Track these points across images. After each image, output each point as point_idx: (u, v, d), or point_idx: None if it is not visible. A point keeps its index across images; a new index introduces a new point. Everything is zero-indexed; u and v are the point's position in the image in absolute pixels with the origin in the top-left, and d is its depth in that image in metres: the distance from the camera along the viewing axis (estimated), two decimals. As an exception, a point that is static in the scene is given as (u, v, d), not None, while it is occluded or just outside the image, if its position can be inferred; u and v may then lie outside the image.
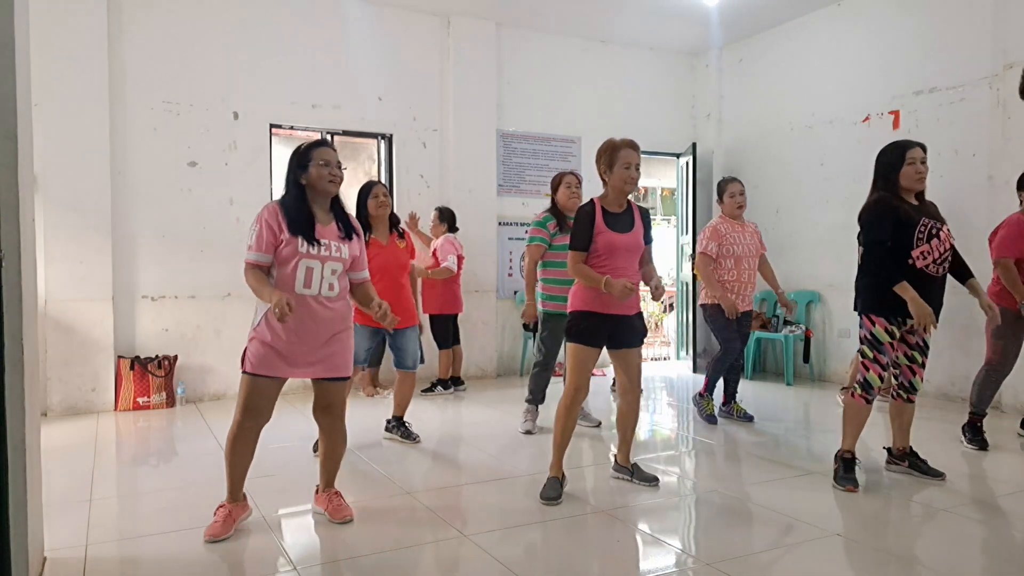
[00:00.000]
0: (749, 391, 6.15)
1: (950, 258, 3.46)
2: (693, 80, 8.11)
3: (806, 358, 6.65)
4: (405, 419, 4.49)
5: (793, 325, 6.68)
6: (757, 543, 2.88)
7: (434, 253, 6.06)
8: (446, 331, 6.20)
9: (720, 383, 5.03)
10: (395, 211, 6.45)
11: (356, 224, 3.12)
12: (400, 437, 4.43)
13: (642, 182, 14.04)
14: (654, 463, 4.08)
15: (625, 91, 7.69)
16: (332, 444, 3.16)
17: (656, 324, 10.96)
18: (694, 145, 7.72)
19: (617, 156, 3.35)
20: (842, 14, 6.52)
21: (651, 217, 3.59)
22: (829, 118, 6.63)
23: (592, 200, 3.45)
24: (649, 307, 11.42)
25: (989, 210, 5.15)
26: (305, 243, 2.85)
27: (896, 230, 3.36)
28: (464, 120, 6.88)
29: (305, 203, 2.93)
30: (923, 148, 3.45)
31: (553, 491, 3.34)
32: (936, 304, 3.44)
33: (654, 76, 7.89)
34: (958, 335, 5.53)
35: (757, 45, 7.42)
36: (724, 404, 5.05)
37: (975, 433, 4.24)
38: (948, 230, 3.46)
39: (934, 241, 3.37)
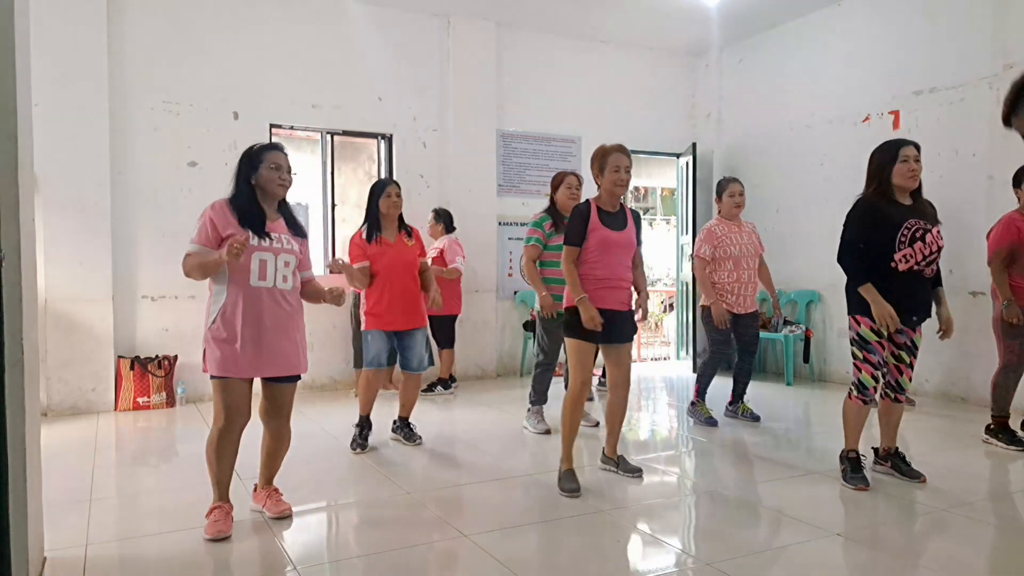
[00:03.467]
0: (749, 391, 6.12)
1: (938, 259, 3.44)
2: (693, 80, 8.11)
3: (806, 358, 6.65)
4: (411, 420, 4.50)
5: (793, 325, 6.68)
6: (757, 543, 2.88)
7: (441, 254, 6.08)
8: (451, 331, 6.24)
9: (714, 384, 5.02)
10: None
11: (303, 226, 3.17)
12: (403, 439, 4.44)
13: (642, 182, 14.05)
14: (654, 463, 4.08)
15: (625, 91, 7.69)
16: (277, 445, 3.15)
17: (656, 324, 10.96)
18: (694, 145, 7.72)
19: (607, 160, 3.52)
20: (842, 14, 6.52)
21: (643, 220, 3.74)
22: (829, 118, 6.63)
23: (588, 200, 3.61)
24: (649, 307, 11.42)
25: (988, 210, 5.15)
26: (256, 237, 2.89)
27: (875, 233, 3.34)
28: (464, 120, 6.88)
29: (255, 201, 2.98)
30: (917, 147, 3.42)
31: (572, 482, 3.42)
32: (925, 303, 3.45)
33: (654, 76, 7.89)
34: (958, 335, 5.50)
35: (757, 45, 7.42)
36: (731, 404, 5.06)
37: (1011, 435, 4.19)
38: (939, 231, 3.42)
39: (918, 244, 3.33)
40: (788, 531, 2.97)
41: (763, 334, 6.77)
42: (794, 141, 6.98)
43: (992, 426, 4.29)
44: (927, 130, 5.77)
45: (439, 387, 6.20)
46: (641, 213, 4.51)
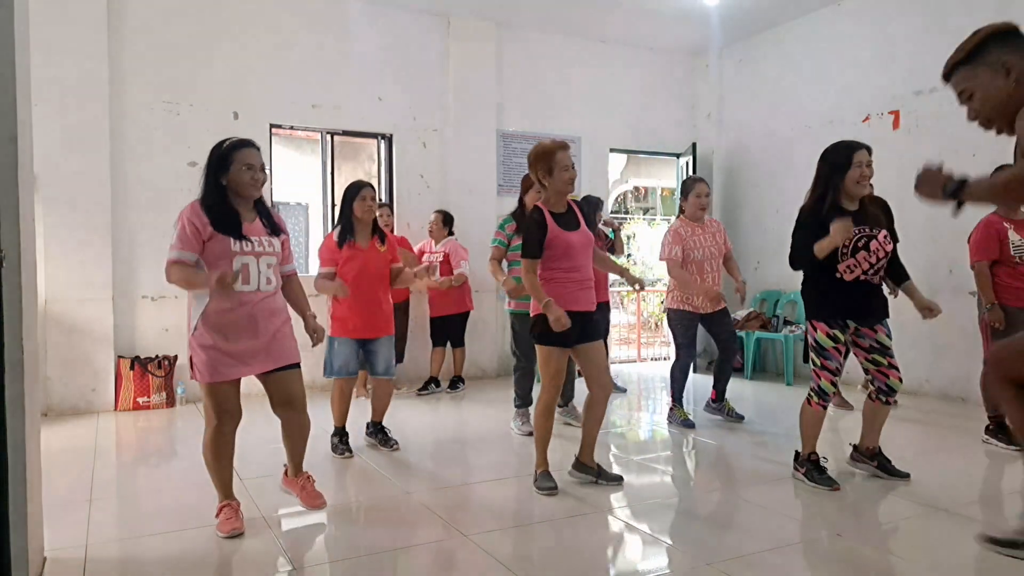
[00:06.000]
0: (749, 391, 6.16)
1: (885, 264, 3.42)
2: (693, 80, 8.11)
3: (806, 358, 6.61)
4: (384, 424, 4.37)
5: (793, 325, 6.68)
6: (756, 543, 2.87)
7: (446, 258, 6.09)
8: (463, 330, 6.30)
9: (696, 384, 5.00)
10: (394, 211, 6.56)
11: (280, 221, 3.10)
12: (379, 443, 4.32)
13: (642, 182, 14.05)
14: (654, 463, 4.08)
15: (625, 91, 7.69)
16: (295, 437, 3.15)
17: (656, 324, 10.95)
18: (694, 145, 7.72)
19: (555, 160, 3.37)
20: (842, 14, 6.52)
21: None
22: (829, 118, 6.63)
23: (537, 206, 3.46)
24: (649, 307, 11.41)
25: (988, 211, 5.14)
26: (237, 241, 2.84)
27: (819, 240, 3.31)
28: (464, 120, 6.88)
29: (227, 203, 2.88)
30: (869, 150, 3.36)
31: (549, 481, 3.44)
32: (878, 308, 3.44)
33: (654, 76, 7.89)
34: (958, 335, 5.53)
35: (757, 45, 7.42)
36: (714, 400, 5.01)
37: (1010, 435, 4.16)
38: (885, 236, 3.38)
39: (861, 254, 3.32)
40: (787, 531, 2.97)
41: (763, 334, 6.81)
42: (794, 141, 6.98)
43: (991, 426, 4.29)
44: (927, 130, 5.77)
45: (432, 386, 6.24)
46: (578, 199, 4.33)
